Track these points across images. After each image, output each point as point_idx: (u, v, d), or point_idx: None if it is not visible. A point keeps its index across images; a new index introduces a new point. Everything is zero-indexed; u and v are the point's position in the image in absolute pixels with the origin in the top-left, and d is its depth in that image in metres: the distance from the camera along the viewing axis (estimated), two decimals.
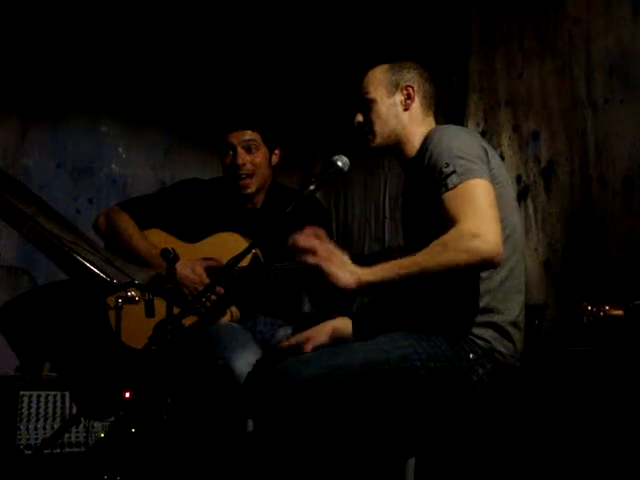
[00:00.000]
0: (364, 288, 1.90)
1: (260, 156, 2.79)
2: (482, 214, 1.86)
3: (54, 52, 3.85)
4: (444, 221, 1.89)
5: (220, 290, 2.59)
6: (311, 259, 1.92)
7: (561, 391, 2.37)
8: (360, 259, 1.90)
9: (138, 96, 4.05)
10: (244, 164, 2.76)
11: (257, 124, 2.81)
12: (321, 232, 2.00)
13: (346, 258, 1.94)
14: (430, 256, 1.85)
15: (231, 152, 2.77)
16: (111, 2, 3.97)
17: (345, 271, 1.90)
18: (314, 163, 4.31)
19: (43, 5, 3.82)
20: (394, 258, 1.91)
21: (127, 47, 4.02)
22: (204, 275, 2.61)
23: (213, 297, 2.60)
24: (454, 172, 1.92)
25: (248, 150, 2.78)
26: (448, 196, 1.91)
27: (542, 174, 3.09)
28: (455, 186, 1.91)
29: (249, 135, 2.78)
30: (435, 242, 1.86)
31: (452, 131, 2.07)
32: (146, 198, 2.92)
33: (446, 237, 1.85)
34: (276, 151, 2.86)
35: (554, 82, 3.09)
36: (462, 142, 1.99)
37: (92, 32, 3.93)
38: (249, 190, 2.79)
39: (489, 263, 1.86)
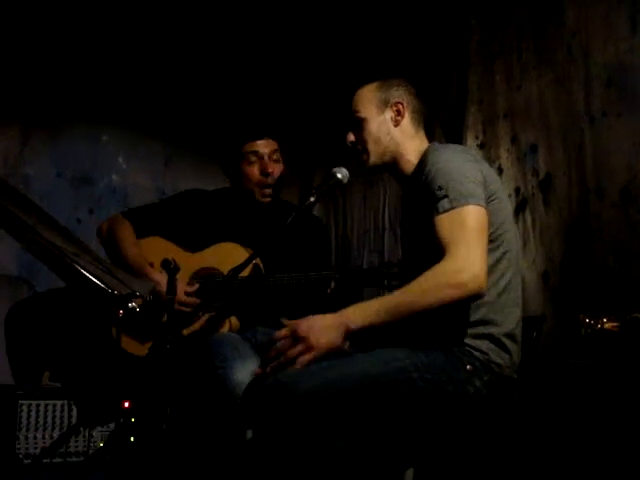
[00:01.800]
0: (356, 332, 1.92)
1: (282, 167, 2.79)
2: (469, 244, 1.88)
3: (55, 61, 3.86)
4: (435, 244, 1.92)
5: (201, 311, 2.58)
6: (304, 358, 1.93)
7: (559, 403, 2.38)
8: (359, 273, 1.90)
9: (139, 106, 4.07)
10: (273, 171, 2.74)
11: (278, 136, 2.80)
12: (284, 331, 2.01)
13: (316, 321, 1.96)
14: (415, 294, 1.89)
15: (256, 160, 2.75)
16: (112, 12, 4.00)
17: (330, 335, 1.92)
18: (314, 175, 4.32)
19: (45, 15, 3.84)
20: (394, 273, 1.92)
21: (128, 57, 4.04)
22: (181, 293, 2.60)
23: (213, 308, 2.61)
24: (446, 196, 1.94)
25: (275, 160, 2.77)
26: (438, 220, 1.94)
27: (540, 186, 3.10)
28: (446, 211, 1.93)
29: (275, 145, 2.77)
30: (419, 279, 1.88)
31: (450, 152, 2.09)
32: (149, 207, 2.92)
33: (429, 274, 1.87)
34: None
35: (552, 94, 3.10)
36: (458, 164, 2.01)
37: (93, 42, 3.95)
38: (268, 200, 2.79)
39: (474, 295, 1.88)
